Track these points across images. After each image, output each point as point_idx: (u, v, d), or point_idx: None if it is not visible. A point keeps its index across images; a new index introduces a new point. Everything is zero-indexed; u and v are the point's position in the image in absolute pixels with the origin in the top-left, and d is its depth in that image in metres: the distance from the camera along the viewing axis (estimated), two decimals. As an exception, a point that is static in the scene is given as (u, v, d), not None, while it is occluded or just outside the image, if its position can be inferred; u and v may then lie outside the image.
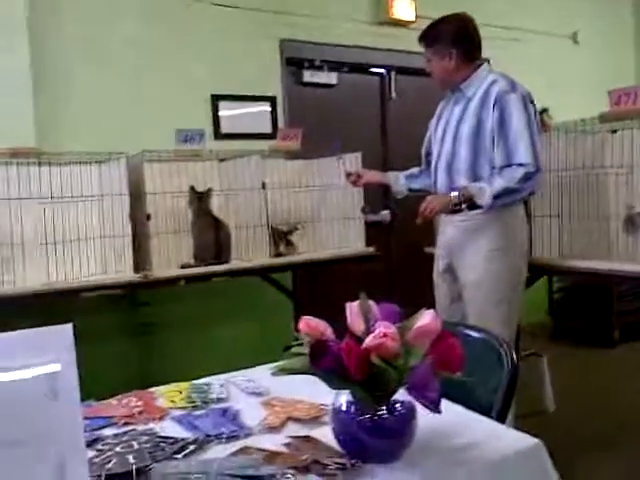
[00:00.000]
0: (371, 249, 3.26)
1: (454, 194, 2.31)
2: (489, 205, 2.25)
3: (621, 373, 3.72)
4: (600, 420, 3.04)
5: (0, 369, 0.80)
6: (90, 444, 1.15)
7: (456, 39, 2.38)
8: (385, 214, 4.13)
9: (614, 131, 2.69)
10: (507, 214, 2.35)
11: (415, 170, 2.73)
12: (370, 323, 1.04)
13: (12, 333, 0.81)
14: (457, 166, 2.38)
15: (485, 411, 1.28)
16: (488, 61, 2.40)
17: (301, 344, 1.07)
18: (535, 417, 2.86)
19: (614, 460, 2.60)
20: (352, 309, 1.06)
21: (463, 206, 2.33)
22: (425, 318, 1.02)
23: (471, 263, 2.38)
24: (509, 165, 2.25)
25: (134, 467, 1.04)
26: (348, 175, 2.81)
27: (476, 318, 2.28)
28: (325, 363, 0.97)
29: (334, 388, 1.04)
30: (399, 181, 2.74)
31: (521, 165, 2.23)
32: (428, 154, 2.63)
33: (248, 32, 3.67)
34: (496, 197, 2.24)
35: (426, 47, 2.45)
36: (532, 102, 2.32)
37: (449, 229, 2.46)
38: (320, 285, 3.72)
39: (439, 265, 2.55)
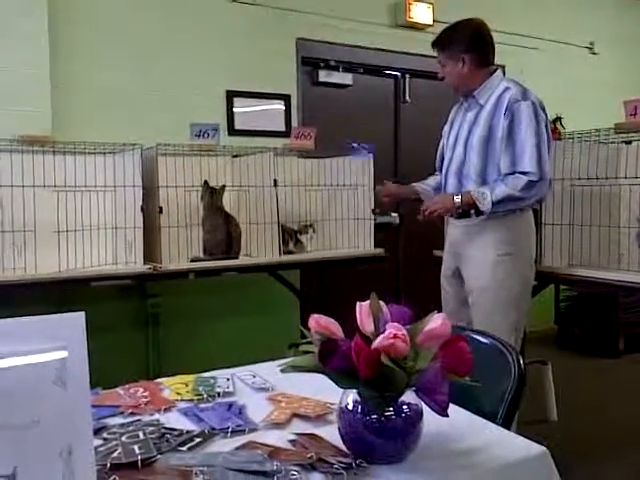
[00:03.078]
0: (380, 250, 3.26)
1: (457, 197, 2.33)
2: (489, 210, 2.26)
3: (625, 383, 3.70)
4: (602, 430, 3.03)
5: (11, 354, 0.80)
6: (96, 432, 1.15)
7: (470, 44, 2.38)
8: (394, 216, 4.14)
9: (629, 142, 2.68)
10: (515, 220, 2.35)
11: (438, 178, 2.69)
12: (380, 324, 1.04)
13: (24, 318, 0.81)
14: (467, 172, 2.39)
15: (490, 417, 1.28)
16: (503, 68, 2.41)
17: (310, 342, 1.07)
18: (537, 425, 2.87)
19: (616, 470, 2.59)
20: (362, 309, 1.07)
21: (471, 211, 2.34)
22: (435, 321, 1.02)
23: (478, 268, 2.38)
24: (513, 172, 2.26)
25: (140, 457, 1.05)
26: (387, 196, 2.80)
27: (482, 323, 2.28)
28: (334, 362, 0.97)
29: (342, 387, 1.04)
30: (431, 194, 2.69)
31: (524, 173, 2.23)
32: (443, 161, 2.63)
33: (265, 30, 3.68)
34: (497, 203, 2.25)
35: (440, 51, 2.45)
36: (544, 110, 2.32)
37: (457, 234, 2.47)
38: (328, 284, 3.73)
39: (446, 269, 2.56)
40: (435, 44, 2.47)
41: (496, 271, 2.34)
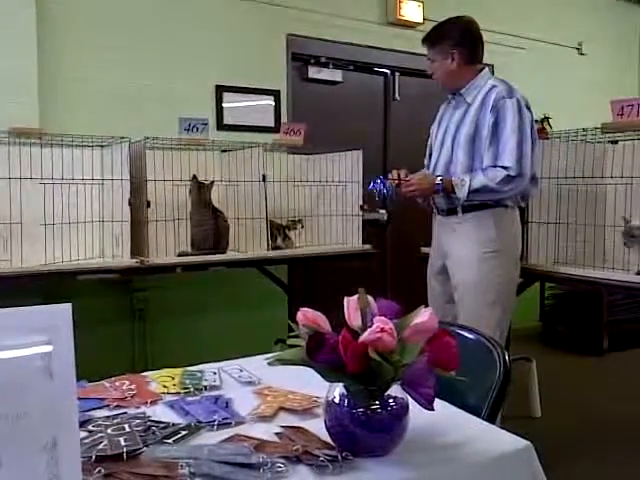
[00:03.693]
0: (368, 247, 3.27)
1: (439, 179, 2.36)
2: (464, 197, 2.30)
3: (608, 381, 3.75)
4: (585, 426, 3.07)
5: (-1, 345, 0.80)
6: (81, 425, 1.15)
7: (460, 40, 2.41)
8: (382, 213, 4.14)
9: (615, 142, 2.71)
10: (501, 218, 2.38)
11: None
12: (367, 318, 1.05)
13: (10, 309, 0.81)
14: (454, 169, 2.41)
15: (475, 412, 1.29)
16: (491, 67, 2.41)
17: (297, 336, 1.08)
18: (520, 421, 2.89)
19: (598, 466, 2.63)
20: (350, 303, 1.07)
21: (456, 202, 2.36)
22: (422, 316, 1.03)
23: (464, 265, 2.41)
24: (494, 166, 2.29)
25: (125, 449, 1.05)
26: (398, 185, 2.47)
27: (467, 320, 2.29)
28: (322, 355, 0.98)
29: (329, 381, 1.05)
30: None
31: (504, 168, 2.27)
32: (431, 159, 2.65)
33: (256, 25, 3.68)
34: (473, 192, 2.29)
35: (430, 47, 2.48)
36: (529, 109, 2.35)
37: (443, 231, 2.49)
38: (315, 280, 3.74)
39: (433, 266, 2.58)
40: (425, 40, 2.50)
41: (481, 268, 2.36)
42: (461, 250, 2.41)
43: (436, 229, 2.56)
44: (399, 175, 2.41)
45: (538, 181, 2.51)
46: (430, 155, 2.63)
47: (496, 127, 2.30)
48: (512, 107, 2.29)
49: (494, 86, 2.36)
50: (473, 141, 2.36)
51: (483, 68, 2.46)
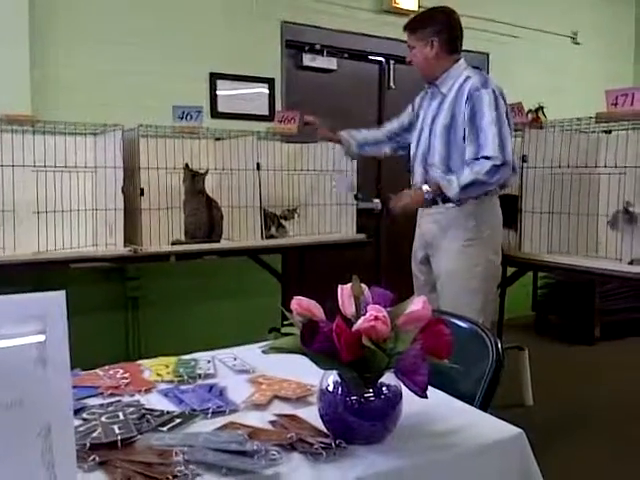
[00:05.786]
0: (362, 236, 3.27)
1: (425, 187, 2.39)
2: (457, 196, 2.32)
3: (599, 370, 3.78)
4: (576, 414, 3.09)
5: (-9, 333, 0.80)
6: (75, 413, 1.15)
7: (440, 28, 2.44)
8: (376, 202, 4.14)
9: (609, 131, 2.71)
10: (481, 206, 2.41)
11: (369, 136, 2.83)
12: (361, 306, 1.05)
13: (4, 297, 0.80)
14: (432, 159, 2.45)
15: (468, 399, 1.30)
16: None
17: (291, 324, 1.08)
18: (513, 409, 2.91)
19: (589, 453, 2.65)
20: (344, 291, 1.07)
21: (438, 199, 2.39)
22: (416, 304, 1.03)
23: (444, 254, 2.45)
24: (477, 158, 2.30)
25: (120, 437, 1.05)
26: (306, 124, 2.91)
27: (449, 308, 2.31)
28: (316, 343, 0.98)
29: (323, 368, 1.05)
30: (352, 148, 2.84)
31: (488, 158, 2.28)
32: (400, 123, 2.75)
33: (250, 12, 3.65)
34: (463, 188, 2.30)
35: (411, 34, 2.51)
36: (504, 99, 2.37)
37: (425, 222, 2.53)
38: (309, 269, 3.74)
39: (417, 256, 2.62)
40: (407, 27, 2.54)
41: (461, 257, 2.40)
42: (443, 239, 2.45)
43: (419, 221, 2.59)
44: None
45: (517, 170, 2.55)
46: (401, 120, 2.74)
47: (473, 118, 2.32)
48: (488, 97, 2.31)
49: (469, 77, 2.39)
50: (449, 131, 2.39)
51: (459, 59, 2.48)
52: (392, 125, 2.79)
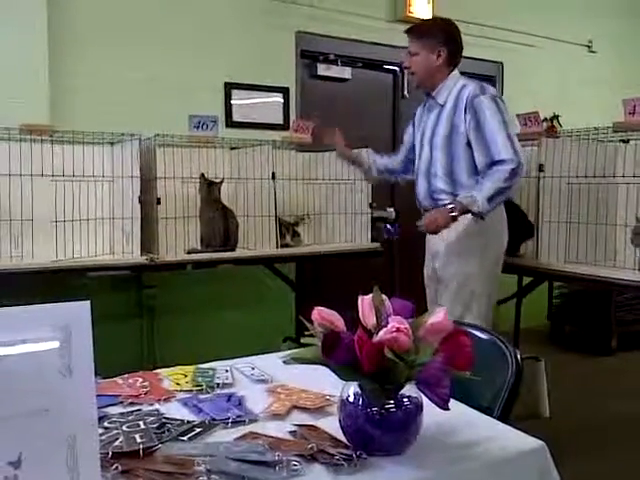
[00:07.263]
0: (377, 245, 3.27)
1: (451, 206, 2.32)
2: (486, 210, 2.26)
3: (617, 381, 3.73)
4: (593, 426, 3.05)
5: (17, 342, 0.81)
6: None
7: (447, 39, 2.44)
8: (390, 211, 4.13)
9: (627, 141, 2.69)
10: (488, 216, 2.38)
11: (389, 165, 2.82)
12: (382, 317, 1.05)
13: (30, 307, 0.81)
14: (435, 171, 2.44)
15: (488, 411, 1.29)
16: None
17: (311, 335, 1.08)
18: (528, 421, 2.89)
19: (607, 466, 2.62)
20: (364, 302, 1.07)
21: (474, 213, 2.35)
22: (437, 315, 1.03)
23: (446, 261, 2.44)
24: (491, 164, 2.28)
25: (142, 446, 1.05)
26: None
27: (452, 312, 2.30)
28: (337, 354, 0.98)
29: (344, 379, 1.05)
30: (371, 173, 2.84)
31: (503, 161, 2.25)
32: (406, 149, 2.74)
33: (265, 22, 3.68)
34: (490, 200, 2.25)
35: (415, 39, 2.48)
36: (503, 102, 2.37)
37: (432, 236, 2.50)
38: (323, 277, 3.74)
39: (427, 268, 2.61)
40: (411, 31, 2.51)
41: (461, 263, 2.39)
42: (444, 247, 2.43)
43: (428, 235, 2.57)
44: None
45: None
46: (406, 146, 2.73)
47: (478, 126, 2.30)
48: (489, 103, 2.30)
49: (465, 85, 2.39)
50: (450, 141, 2.38)
51: (453, 70, 2.48)
52: (402, 155, 2.77)
